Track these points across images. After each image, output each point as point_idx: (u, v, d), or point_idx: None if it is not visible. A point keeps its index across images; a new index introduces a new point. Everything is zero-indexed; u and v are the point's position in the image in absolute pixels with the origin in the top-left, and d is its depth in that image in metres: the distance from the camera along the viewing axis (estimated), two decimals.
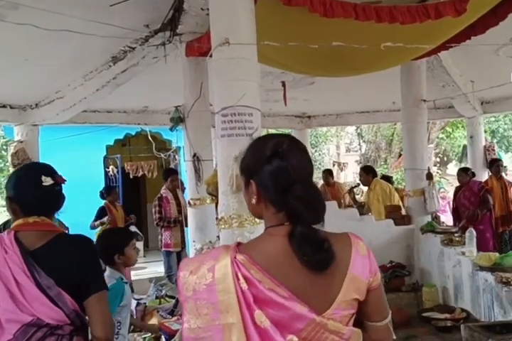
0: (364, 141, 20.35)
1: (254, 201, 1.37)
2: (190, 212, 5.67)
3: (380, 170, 18.46)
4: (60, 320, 1.93)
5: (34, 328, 1.89)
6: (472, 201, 7.58)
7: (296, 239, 1.29)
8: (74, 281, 1.94)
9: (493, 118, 18.19)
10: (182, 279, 1.32)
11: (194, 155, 5.27)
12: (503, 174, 7.98)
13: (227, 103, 3.94)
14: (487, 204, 7.54)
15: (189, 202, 5.58)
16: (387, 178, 8.47)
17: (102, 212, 7.58)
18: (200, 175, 5.21)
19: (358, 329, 1.37)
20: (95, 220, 7.52)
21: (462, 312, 5.41)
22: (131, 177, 9.89)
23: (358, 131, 20.29)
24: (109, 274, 3.04)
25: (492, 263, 5.35)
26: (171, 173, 7.43)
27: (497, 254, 5.72)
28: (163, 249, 7.43)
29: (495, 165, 7.80)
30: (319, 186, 8.97)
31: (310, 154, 1.45)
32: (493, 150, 9.86)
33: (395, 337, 1.48)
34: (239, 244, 1.39)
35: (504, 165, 11.48)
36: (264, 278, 1.27)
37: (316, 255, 1.27)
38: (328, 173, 9.18)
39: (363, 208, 7.02)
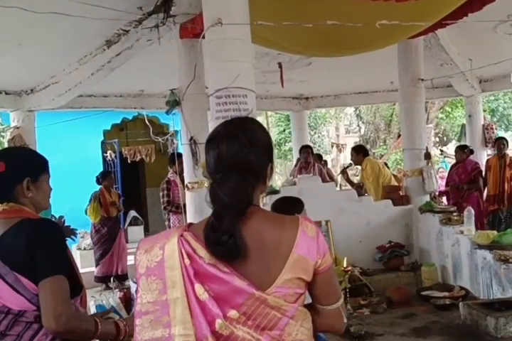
0: (363, 122, 20.25)
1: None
2: (188, 196, 5.67)
3: (379, 151, 18.45)
4: (23, 306, 1.87)
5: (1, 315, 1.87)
6: (462, 178, 7.63)
7: (206, 229, 1.34)
8: (27, 265, 1.85)
9: (492, 97, 18.09)
10: (138, 257, 1.39)
11: (191, 138, 5.24)
12: (506, 152, 7.91)
13: (221, 85, 3.91)
14: (476, 184, 7.59)
15: (187, 186, 5.57)
16: (385, 165, 8.44)
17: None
18: (197, 159, 5.19)
19: (304, 309, 1.39)
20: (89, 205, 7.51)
21: (461, 291, 5.44)
22: (129, 161, 9.89)
23: (357, 112, 20.18)
24: None
25: (490, 242, 5.37)
26: (179, 157, 7.41)
27: (495, 232, 5.75)
28: None
29: (497, 143, 7.79)
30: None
31: (257, 143, 1.41)
32: (492, 129, 9.83)
33: (345, 321, 1.48)
34: (191, 223, 1.46)
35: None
36: (207, 254, 1.31)
37: (215, 246, 1.30)
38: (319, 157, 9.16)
39: (361, 189, 7.02)
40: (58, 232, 1.98)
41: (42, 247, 1.87)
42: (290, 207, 3.20)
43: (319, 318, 1.44)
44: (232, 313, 1.29)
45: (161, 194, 7.39)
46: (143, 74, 7.10)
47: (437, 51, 7.85)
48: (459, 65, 8.29)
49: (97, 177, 7.80)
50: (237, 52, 3.98)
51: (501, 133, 12.97)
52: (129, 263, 7.69)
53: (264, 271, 1.32)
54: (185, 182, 5.62)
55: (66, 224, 4.20)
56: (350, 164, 8.19)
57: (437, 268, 6.05)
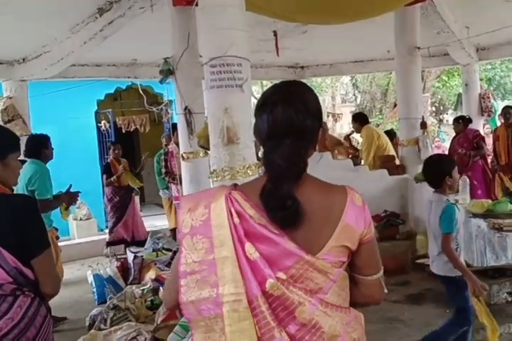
0: (359, 92, 20.10)
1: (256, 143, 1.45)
2: (183, 166, 5.65)
3: (375, 121, 18.37)
4: (0, 277, 1.96)
5: None
6: (465, 146, 7.60)
7: (264, 194, 1.31)
8: (11, 239, 1.96)
9: (489, 66, 17.94)
10: (181, 216, 1.37)
11: (185, 108, 5.19)
12: None
13: (216, 53, 3.84)
14: (480, 151, 7.54)
15: (182, 156, 5.56)
16: (389, 133, 8.35)
17: (106, 169, 7.61)
18: (192, 129, 5.15)
19: (345, 273, 1.40)
20: (106, 178, 7.53)
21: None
22: (123, 131, 9.85)
23: (353, 81, 20.00)
24: (437, 198, 3.52)
25: (485, 210, 5.42)
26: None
27: (489, 201, 5.79)
28: (174, 201, 7.52)
29: (503, 112, 7.68)
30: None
31: (310, 108, 1.39)
32: (489, 97, 9.76)
33: (386, 291, 1.50)
34: (235, 184, 1.43)
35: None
36: (257, 214, 1.30)
37: (278, 212, 1.29)
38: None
39: (357, 158, 7.01)
40: (37, 206, 2.10)
41: (32, 223, 2.01)
42: (443, 164, 3.53)
43: (359, 289, 1.45)
44: (280, 275, 1.28)
45: (160, 165, 7.43)
46: (136, 43, 6.96)
47: (434, 19, 7.71)
48: (456, 32, 8.17)
49: (104, 166, 7.87)
50: (231, 19, 3.90)
51: (498, 102, 12.87)
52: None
53: (313, 236, 1.32)
54: (181, 153, 5.59)
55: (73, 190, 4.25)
56: (352, 131, 8.21)
57: None
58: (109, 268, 5.67)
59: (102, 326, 4.27)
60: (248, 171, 3.75)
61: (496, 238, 5.05)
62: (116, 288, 5.29)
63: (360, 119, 7.67)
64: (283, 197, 1.29)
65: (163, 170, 7.39)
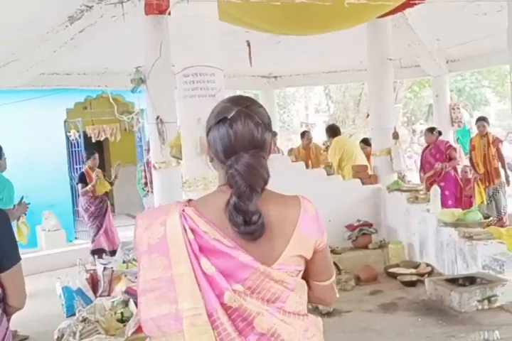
0: (332, 102, 20.28)
1: (209, 159, 1.44)
2: (155, 176, 5.60)
3: (348, 131, 18.54)
4: None
5: None
6: (438, 158, 7.69)
7: (229, 209, 1.32)
8: None
9: (459, 78, 18.31)
10: (138, 235, 1.38)
11: (157, 117, 5.15)
12: (488, 131, 8.01)
13: (188, 63, 3.83)
14: (453, 162, 7.67)
15: (154, 166, 5.50)
16: (367, 141, 8.47)
17: (81, 178, 7.52)
18: (164, 138, 5.11)
19: (303, 281, 1.42)
20: (82, 187, 7.43)
21: (427, 267, 5.57)
22: (93, 141, 9.70)
23: (326, 91, 20.19)
24: None
25: (455, 219, 5.49)
26: None
27: (460, 210, 5.86)
28: None
29: (478, 124, 7.82)
30: (295, 148, 9.01)
31: (265, 122, 1.40)
32: (458, 108, 9.95)
33: (337, 295, 1.56)
34: (190, 200, 1.44)
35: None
36: (211, 229, 1.32)
37: (245, 227, 1.30)
38: (302, 135, 9.15)
39: (330, 168, 7.04)
40: (9, 219, 2.11)
41: (4, 236, 2.03)
42: None
43: (313, 293, 1.50)
44: (237, 287, 1.30)
45: (140, 174, 7.40)
46: (107, 52, 6.88)
47: (405, 31, 7.86)
48: (426, 44, 8.33)
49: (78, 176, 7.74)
50: (204, 29, 3.90)
51: (468, 113, 13.11)
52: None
53: (269, 247, 1.34)
54: (152, 163, 5.53)
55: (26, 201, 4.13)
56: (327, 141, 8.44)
57: (404, 245, 6.16)
58: (78, 280, 5.56)
59: (71, 339, 4.15)
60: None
61: (467, 247, 5.10)
62: (85, 301, 5.19)
63: (329, 131, 7.85)
64: (250, 212, 1.30)
65: (143, 181, 7.34)
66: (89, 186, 7.27)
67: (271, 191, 1.41)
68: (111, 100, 6.29)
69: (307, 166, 7.17)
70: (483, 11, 7.04)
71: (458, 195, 7.63)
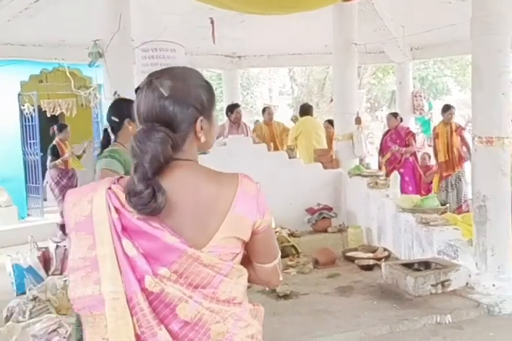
0: (297, 85, 20.25)
1: None
2: None
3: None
4: None
5: None
6: (398, 144, 7.75)
7: (127, 183, 1.28)
8: None
9: (422, 66, 18.52)
10: (67, 211, 1.34)
11: (115, 93, 4.95)
12: (453, 120, 8.06)
13: (148, 37, 3.71)
14: (410, 148, 7.75)
15: None
16: (332, 121, 8.43)
17: (53, 151, 7.43)
18: None
19: (240, 266, 1.35)
20: (51, 160, 7.39)
21: (384, 252, 5.62)
22: (48, 115, 9.39)
23: (291, 73, 20.13)
24: None
25: (413, 205, 5.55)
26: None
27: (418, 197, 5.94)
28: None
29: (448, 112, 7.82)
30: (258, 126, 8.87)
31: (179, 95, 1.32)
32: (421, 96, 10.04)
33: (281, 278, 1.50)
34: (121, 177, 1.39)
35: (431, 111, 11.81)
36: None
37: (133, 197, 1.24)
38: (264, 111, 9.01)
39: (292, 151, 7.00)
40: None
41: None
42: None
43: (257, 275, 1.44)
44: (163, 271, 1.24)
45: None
46: (64, 23, 6.56)
47: (371, 16, 7.84)
48: (391, 31, 8.33)
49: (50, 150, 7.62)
50: (166, 3, 3.77)
51: (432, 101, 13.27)
52: (51, 221, 7.58)
53: (199, 228, 1.28)
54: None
55: None
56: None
57: (363, 230, 6.20)
58: (29, 257, 5.40)
59: (21, 318, 4.08)
60: None
61: (423, 232, 5.17)
62: (36, 279, 5.08)
63: (300, 110, 7.91)
64: (138, 183, 1.24)
65: None
66: (59, 160, 7.23)
67: (207, 169, 1.35)
68: (67, 74, 6.05)
69: (270, 145, 7.12)
70: (448, 0, 7.07)
71: (417, 182, 7.72)
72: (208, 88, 1.39)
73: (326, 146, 7.74)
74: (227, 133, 7.21)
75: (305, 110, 8.24)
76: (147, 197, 1.22)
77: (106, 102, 5.23)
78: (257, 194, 1.33)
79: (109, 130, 2.94)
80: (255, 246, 1.38)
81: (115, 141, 2.98)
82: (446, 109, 7.77)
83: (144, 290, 1.23)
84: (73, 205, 1.32)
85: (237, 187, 1.31)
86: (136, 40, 3.83)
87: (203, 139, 1.35)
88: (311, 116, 8.26)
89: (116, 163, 2.82)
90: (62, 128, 7.62)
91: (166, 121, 1.29)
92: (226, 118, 7.73)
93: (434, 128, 8.07)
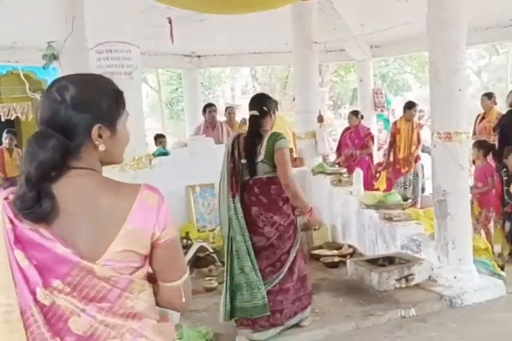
0: (259, 83, 20.24)
1: None
2: None
3: None
4: None
5: None
6: (356, 143, 7.84)
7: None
8: None
9: (383, 63, 18.78)
10: None
11: None
12: (416, 118, 8.09)
13: (103, 38, 3.63)
14: (368, 149, 7.85)
15: None
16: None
17: None
18: None
19: (142, 280, 1.31)
20: None
21: (349, 248, 5.67)
22: (2, 120, 9.15)
23: (253, 72, 20.12)
24: None
25: (376, 201, 5.61)
26: None
27: (381, 193, 6.01)
28: None
29: (413, 109, 7.77)
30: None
31: (75, 102, 1.28)
32: (381, 93, 10.18)
33: (184, 300, 1.39)
34: None
35: (393, 108, 11.95)
36: None
37: (17, 201, 1.22)
38: (226, 111, 8.92)
39: None
40: None
41: None
42: None
43: (159, 294, 1.37)
44: (56, 283, 1.21)
45: None
46: (16, 25, 6.39)
47: (331, 14, 7.87)
48: (351, 29, 8.40)
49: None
50: (121, 4, 3.70)
51: (391, 98, 13.47)
52: None
53: (94, 240, 1.24)
54: None
55: None
56: None
57: (328, 227, 6.23)
58: None
59: None
60: (138, 164, 3.56)
61: (387, 228, 5.24)
62: None
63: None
64: (20, 188, 1.23)
65: None
66: None
67: (107, 178, 1.31)
68: (22, 77, 5.88)
69: None
70: None
71: (370, 180, 7.80)
72: (115, 97, 1.35)
73: (293, 146, 7.72)
74: (202, 134, 7.14)
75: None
76: (30, 201, 1.20)
77: None
78: (158, 206, 1.29)
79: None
80: (157, 261, 1.33)
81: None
82: (411, 106, 7.80)
83: (37, 302, 1.21)
84: None
85: (135, 198, 1.26)
86: (90, 42, 3.74)
87: (101, 148, 1.29)
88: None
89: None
90: (8, 134, 7.36)
91: (58, 125, 1.26)
92: (202, 119, 7.64)
93: (395, 123, 8.03)
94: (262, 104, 3.71)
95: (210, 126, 7.47)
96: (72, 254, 1.20)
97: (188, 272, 1.42)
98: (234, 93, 21.16)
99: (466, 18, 4.39)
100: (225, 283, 3.72)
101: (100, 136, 1.28)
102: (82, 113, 1.27)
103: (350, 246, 5.71)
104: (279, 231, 3.67)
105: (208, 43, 8.99)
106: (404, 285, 4.52)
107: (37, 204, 1.20)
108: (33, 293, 1.20)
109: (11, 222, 1.23)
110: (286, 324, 3.75)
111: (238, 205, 3.60)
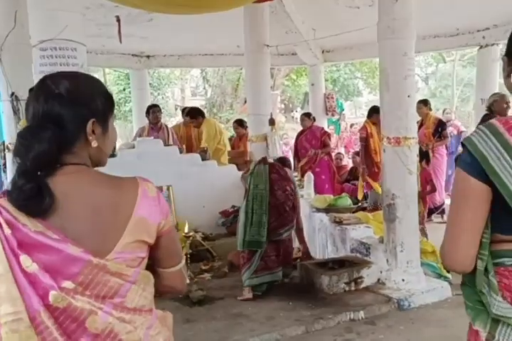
0: (210, 85, 20.12)
1: None
2: (8, 158, 5.10)
3: (225, 116, 18.55)
4: None
5: None
6: (313, 144, 7.84)
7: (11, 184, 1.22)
8: None
9: (334, 68, 19.07)
10: None
11: (12, 94, 4.66)
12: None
13: (47, 35, 3.50)
14: (327, 148, 7.87)
15: (7, 147, 5.01)
16: (241, 122, 8.29)
17: None
18: (19, 117, 4.64)
19: (146, 272, 1.33)
20: None
21: (299, 252, 5.65)
22: None
23: (204, 74, 19.99)
24: None
25: (327, 205, 5.64)
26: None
27: (331, 196, 6.04)
28: None
29: (380, 113, 7.55)
30: (176, 125, 8.57)
31: (70, 96, 1.27)
32: (332, 97, 10.29)
33: (188, 281, 1.45)
34: (8, 191, 1.27)
35: (344, 112, 12.06)
36: (32, 220, 1.19)
37: (14, 193, 1.19)
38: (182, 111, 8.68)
39: (205, 153, 6.90)
40: None
41: None
42: None
43: (161, 281, 1.41)
44: (67, 284, 1.17)
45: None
46: None
47: (283, 18, 7.91)
48: (303, 33, 8.46)
49: None
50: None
51: (342, 103, 13.67)
52: None
53: (102, 236, 1.23)
54: (6, 143, 5.04)
55: None
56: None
57: None
58: None
59: None
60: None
61: (337, 231, 5.27)
62: None
63: (202, 113, 7.56)
64: (18, 180, 1.19)
65: (2, 162, 6.67)
66: None
67: (101, 173, 1.31)
68: None
69: (183, 146, 6.93)
70: (357, 5, 7.28)
71: (332, 180, 7.85)
72: (107, 96, 1.36)
73: (228, 148, 7.61)
74: (147, 135, 6.98)
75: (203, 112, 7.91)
76: (29, 192, 1.17)
77: (2, 104, 4.90)
78: (157, 195, 1.33)
79: None
80: (161, 249, 1.36)
81: None
82: (378, 110, 7.63)
83: (48, 306, 1.16)
84: None
85: (137, 190, 1.29)
86: (33, 39, 3.58)
87: (93, 143, 1.29)
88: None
89: None
90: None
91: (53, 119, 1.24)
92: (147, 120, 7.45)
93: (364, 128, 7.39)
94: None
95: (155, 127, 7.33)
96: (83, 253, 1.19)
97: (183, 255, 1.50)
98: (184, 94, 20.95)
99: (415, 27, 4.47)
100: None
101: (93, 132, 1.29)
102: (78, 107, 1.26)
103: (300, 250, 5.71)
104: None
105: (158, 43, 8.86)
106: (353, 288, 4.56)
107: (36, 197, 1.17)
108: (43, 298, 1.16)
109: (10, 226, 1.18)
110: None
111: None
